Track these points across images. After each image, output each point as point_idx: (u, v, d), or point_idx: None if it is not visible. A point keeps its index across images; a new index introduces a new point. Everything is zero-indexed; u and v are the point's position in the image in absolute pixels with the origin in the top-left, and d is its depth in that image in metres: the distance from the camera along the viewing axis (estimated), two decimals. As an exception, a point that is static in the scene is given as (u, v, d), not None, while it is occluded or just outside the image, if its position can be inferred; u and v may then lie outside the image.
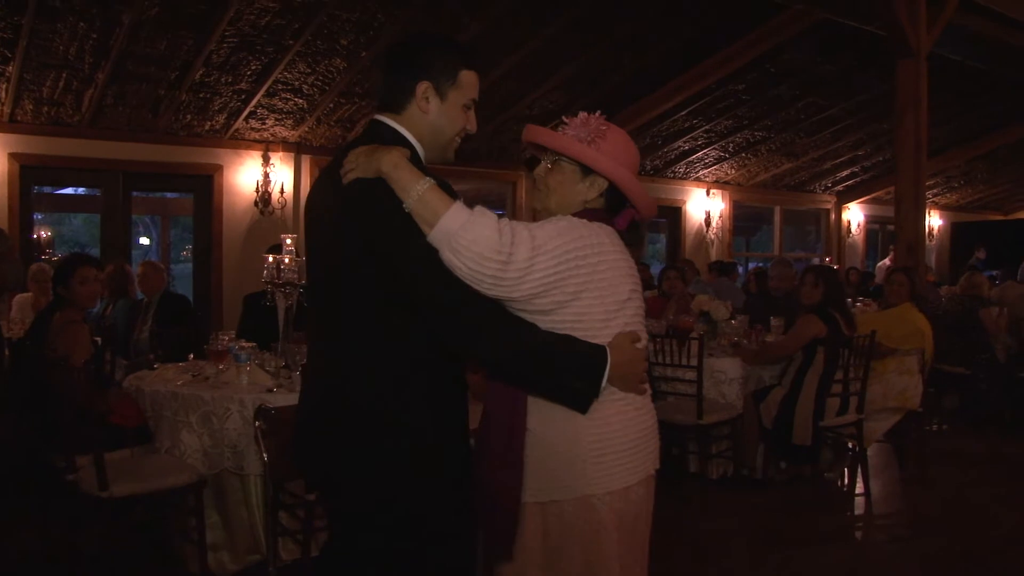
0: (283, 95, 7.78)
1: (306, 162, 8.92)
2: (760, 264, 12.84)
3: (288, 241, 4.41)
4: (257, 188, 8.66)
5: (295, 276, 4.29)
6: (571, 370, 1.94)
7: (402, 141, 2.00)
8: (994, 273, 11.47)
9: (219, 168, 8.51)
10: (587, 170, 2.10)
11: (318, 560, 2.44)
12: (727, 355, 5.62)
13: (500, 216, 1.90)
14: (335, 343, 2.01)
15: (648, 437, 2.09)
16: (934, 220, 15.74)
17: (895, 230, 7.21)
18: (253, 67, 7.18)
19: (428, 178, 1.85)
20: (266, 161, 8.65)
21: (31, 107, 7.29)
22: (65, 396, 3.67)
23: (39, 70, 6.74)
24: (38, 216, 8.96)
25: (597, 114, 2.12)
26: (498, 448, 2.02)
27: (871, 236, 15.60)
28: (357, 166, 1.88)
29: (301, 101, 7.95)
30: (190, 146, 8.32)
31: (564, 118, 2.15)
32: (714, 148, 11.30)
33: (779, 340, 5.70)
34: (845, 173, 13.52)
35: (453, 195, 1.88)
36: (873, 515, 5.19)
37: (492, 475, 2.02)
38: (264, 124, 8.30)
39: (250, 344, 4.28)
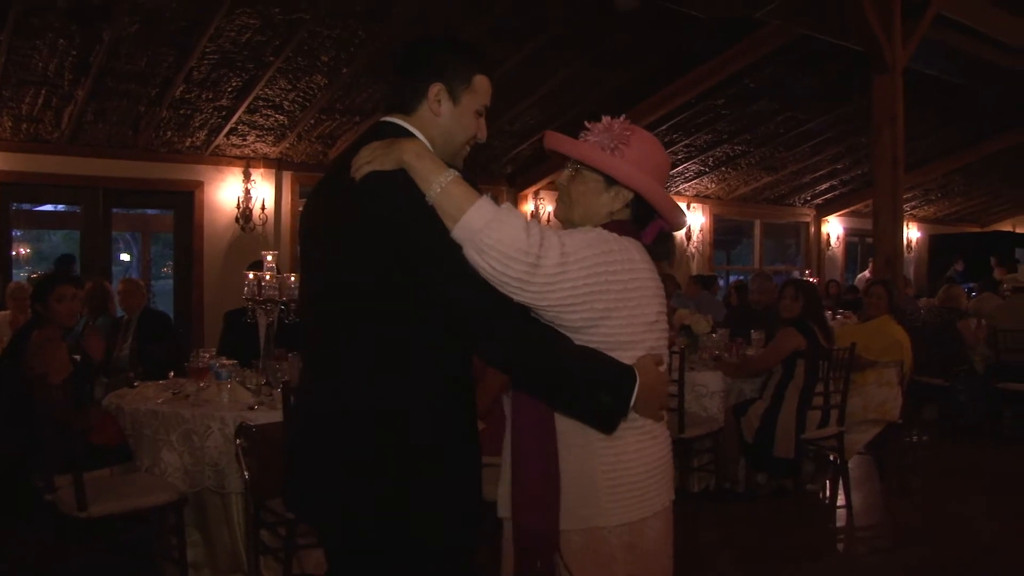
0: (264, 111, 7.78)
1: (287, 178, 8.92)
2: (741, 277, 12.89)
3: (269, 258, 4.39)
4: (238, 204, 8.64)
5: (276, 293, 4.28)
6: (602, 385, 1.80)
7: None
8: (971, 285, 11.61)
9: (200, 184, 8.49)
10: (611, 180, 1.95)
11: None
12: (708, 368, 5.64)
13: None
14: (349, 352, 1.83)
15: (664, 467, 1.97)
16: (912, 232, 15.88)
17: (873, 243, 7.27)
18: (234, 83, 7.18)
19: (452, 170, 1.73)
20: (247, 177, 8.64)
21: (10, 124, 7.26)
22: (44, 415, 3.65)
23: (18, 87, 6.72)
24: (17, 233, 8.90)
25: (621, 119, 1.97)
26: (535, 490, 1.87)
27: (850, 249, 15.71)
28: (374, 159, 1.74)
29: (282, 117, 7.95)
30: (171, 162, 8.31)
31: (587, 123, 2.00)
32: (694, 162, 11.38)
33: (759, 353, 5.73)
34: (824, 187, 13.64)
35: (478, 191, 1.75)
36: (855, 527, 5.21)
37: (526, 518, 1.88)
38: (245, 140, 8.29)
39: (231, 361, 4.27)
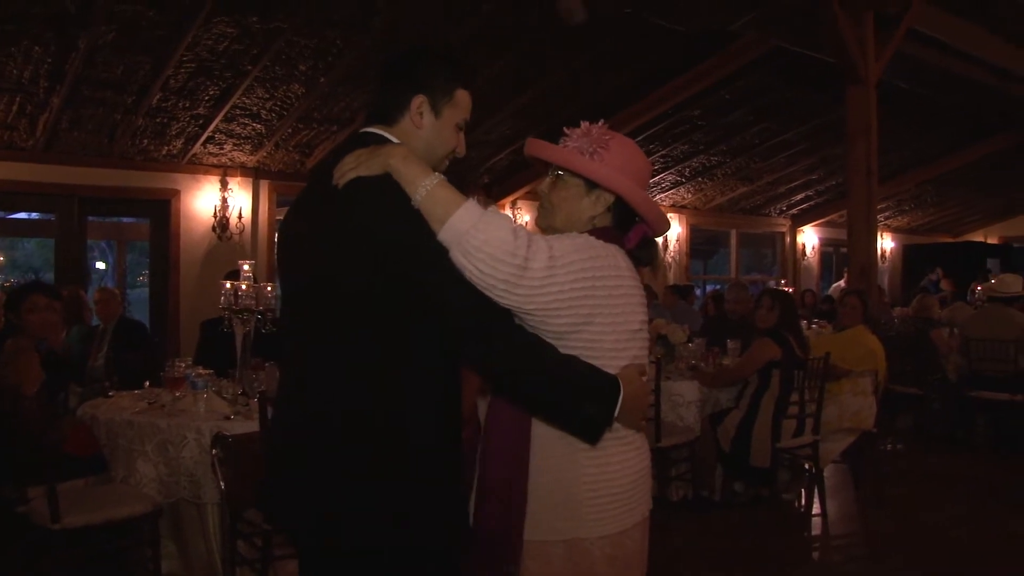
0: (241, 120, 7.75)
1: (264, 187, 8.89)
2: (718, 287, 12.98)
3: (246, 267, 4.39)
4: (215, 213, 8.59)
5: (253, 302, 4.27)
6: (588, 394, 1.79)
7: None
8: (944, 292, 11.87)
9: (176, 193, 8.44)
10: (592, 184, 1.96)
11: None
12: (685, 378, 5.67)
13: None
14: (334, 358, 1.81)
15: (644, 478, 1.97)
16: (886, 243, 16.04)
17: (848, 253, 7.34)
18: (211, 92, 7.15)
19: (438, 174, 1.74)
20: (224, 186, 8.60)
21: (-17, 131, 7.20)
22: (17, 425, 3.61)
23: (-8, 94, 6.66)
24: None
25: (600, 123, 1.98)
26: (500, 490, 1.86)
27: (826, 258, 15.85)
28: (359, 165, 1.73)
29: (259, 126, 7.93)
30: (147, 171, 8.25)
31: (565, 129, 2.01)
32: (671, 172, 11.45)
33: (735, 363, 5.77)
34: (799, 197, 13.76)
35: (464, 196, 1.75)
36: (830, 535, 5.25)
37: (490, 513, 1.87)
38: (222, 149, 8.26)
39: (207, 371, 4.26)
